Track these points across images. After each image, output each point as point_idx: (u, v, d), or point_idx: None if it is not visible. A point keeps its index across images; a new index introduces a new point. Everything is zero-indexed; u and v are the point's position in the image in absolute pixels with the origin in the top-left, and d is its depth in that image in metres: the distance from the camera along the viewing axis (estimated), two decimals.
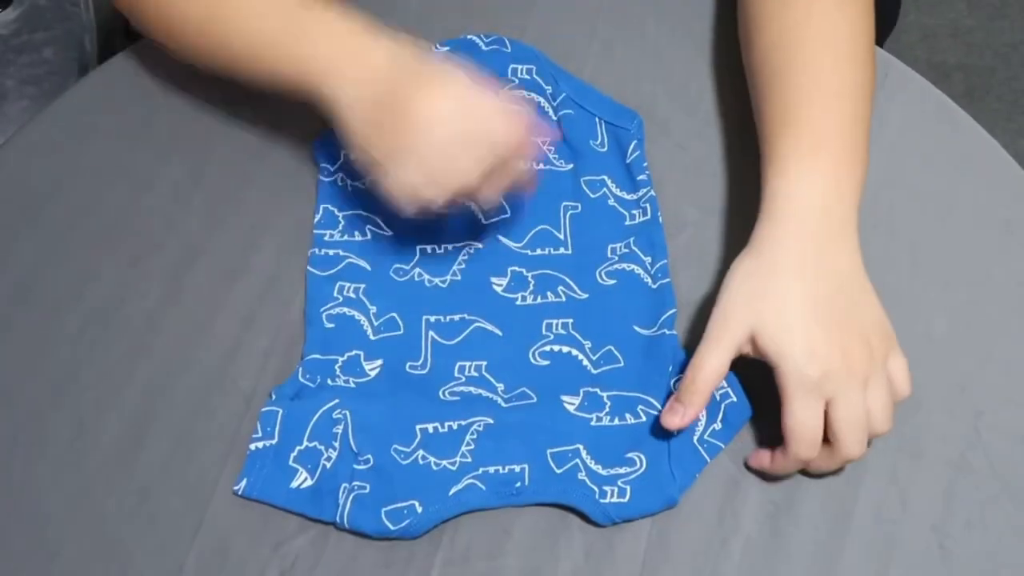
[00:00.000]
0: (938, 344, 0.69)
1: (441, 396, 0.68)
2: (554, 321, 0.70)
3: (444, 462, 0.65)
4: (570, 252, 0.73)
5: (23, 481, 0.67)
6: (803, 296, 0.60)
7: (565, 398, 0.67)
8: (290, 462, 0.65)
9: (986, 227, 0.73)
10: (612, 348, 0.69)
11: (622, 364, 0.69)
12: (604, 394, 0.67)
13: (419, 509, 0.63)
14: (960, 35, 1.74)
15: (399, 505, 0.63)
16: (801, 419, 0.60)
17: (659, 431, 0.64)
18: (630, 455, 0.65)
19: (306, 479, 0.65)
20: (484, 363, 0.68)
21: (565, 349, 0.69)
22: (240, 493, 0.65)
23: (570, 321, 0.70)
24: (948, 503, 0.64)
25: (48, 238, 0.76)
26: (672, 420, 0.62)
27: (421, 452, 0.65)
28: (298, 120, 0.79)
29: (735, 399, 0.66)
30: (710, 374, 0.61)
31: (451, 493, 0.64)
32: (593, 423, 0.66)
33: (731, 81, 0.79)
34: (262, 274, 0.74)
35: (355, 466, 0.65)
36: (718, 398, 0.65)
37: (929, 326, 0.69)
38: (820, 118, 0.65)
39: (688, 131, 0.78)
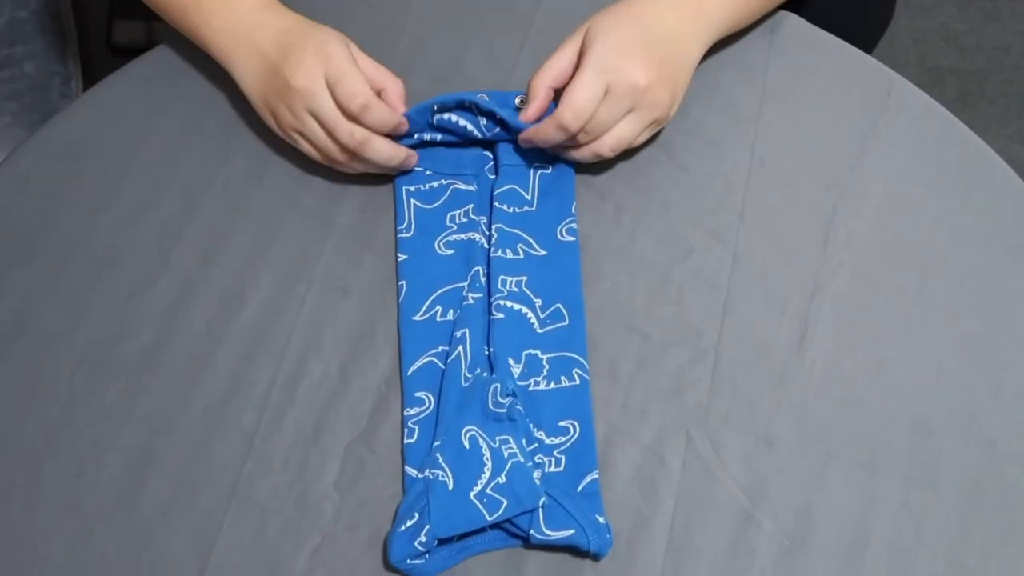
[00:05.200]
0: (948, 373, 0.68)
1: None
2: (509, 278, 0.71)
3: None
4: (534, 209, 0.74)
5: (21, 526, 0.66)
6: (637, 22, 0.70)
7: (511, 361, 0.68)
8: None
9: (994, 252, 0.72)
10: (560, 306, 0.70)
11: (566, 323, 0.70)
12: (544, 357, 0.68)
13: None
14: (952, 39, 1.73)
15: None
16: (586, 89, 0.67)
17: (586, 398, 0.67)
18: (563, 423, 0.66)
19: None
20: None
21: (516, 306, 0.70)
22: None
23: (524, 279, 0.71)
24: (963, 533, 0.64)
25: (40, 274, 0.74)
26: (524, 114, 0.72)
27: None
28: (293, 148, 0.78)
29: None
30: (553, 70, 0.71)
31: (456, 539, 0.63)
32: (531, 388, 0.67)
33: (733, 101, 0.78)
34: (260, 307, 0.72)
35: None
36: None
37: (939, 354, 0.69)
38: None
39: (690, 152, 0.76)
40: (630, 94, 0.68)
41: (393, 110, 0.72)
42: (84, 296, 0.73)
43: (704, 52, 0.74)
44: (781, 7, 0.81)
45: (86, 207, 0.77)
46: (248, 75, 0.74)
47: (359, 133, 0.70)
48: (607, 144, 0.70)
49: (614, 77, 0.67)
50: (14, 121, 1.14)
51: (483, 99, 0.72)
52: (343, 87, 0.69)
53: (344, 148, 0.71)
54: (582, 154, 0.72)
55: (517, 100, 0.75)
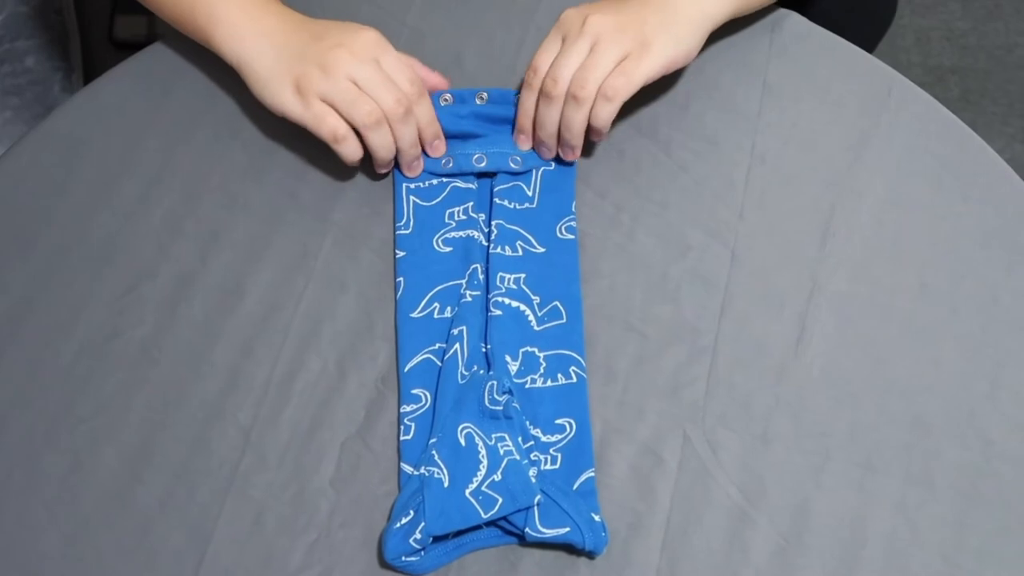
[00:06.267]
0: (946, 372, 0.68)
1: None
2: (508, 275, 0.71)
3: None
4: (535, 206, 0.74)
5: (18, 519, 0.66)
6: None
7: (508, 358, 0.67)
8: None
9: (994, 250, 0.72)
10: (558, 304, 0.70)
11: (564, 320, 0.70)
12: (541, 354, 0.68)
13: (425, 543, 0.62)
14: (954, 37, 1.72)
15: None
16: (543, 48, 0.70)
17: (583, 396, 0.67)
18: (560, 421, 0.66)
19: None
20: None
21: (514, 304, 0.70)
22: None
23: (522, 276, 0.71)
24: (959, 532, 0.64)
25: (38, 267, 0.74)
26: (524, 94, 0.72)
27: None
28: (293, 143, 0.78)
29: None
30: (546, 55, 0.71)
31: (451, 536, 0.63)
32: (527, 386, 0.67)
33: (733, 99, 0.78)
34: (259, 301, 0.72)
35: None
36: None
37: (937, 353, 0.69)
38: None
39: (689, 151, 0.76)
40: (581, 30, 0.69)
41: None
42: (83, 290, 0.73)
43: (713, 21, 0.73)
44: (784, 5, 0.81)
45: (85, 201, 0.77)
46: (261, 53, 0.72)
47: (404, 101, 0.71)
48: (585, 89, 0.68)
49: (566, 27, 0.70)
50: (15, 116, 1.14)
51: (484, 104, 0.74)
52: (404, 75, 0.71)
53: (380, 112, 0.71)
54: (576, 116, 0.70)
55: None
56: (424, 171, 0.75)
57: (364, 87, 0.69)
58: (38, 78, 1.16)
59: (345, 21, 0.74)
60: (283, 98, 0.71)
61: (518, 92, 0.74)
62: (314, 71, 0.69)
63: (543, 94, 0.70)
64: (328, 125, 0.70)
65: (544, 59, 0.70)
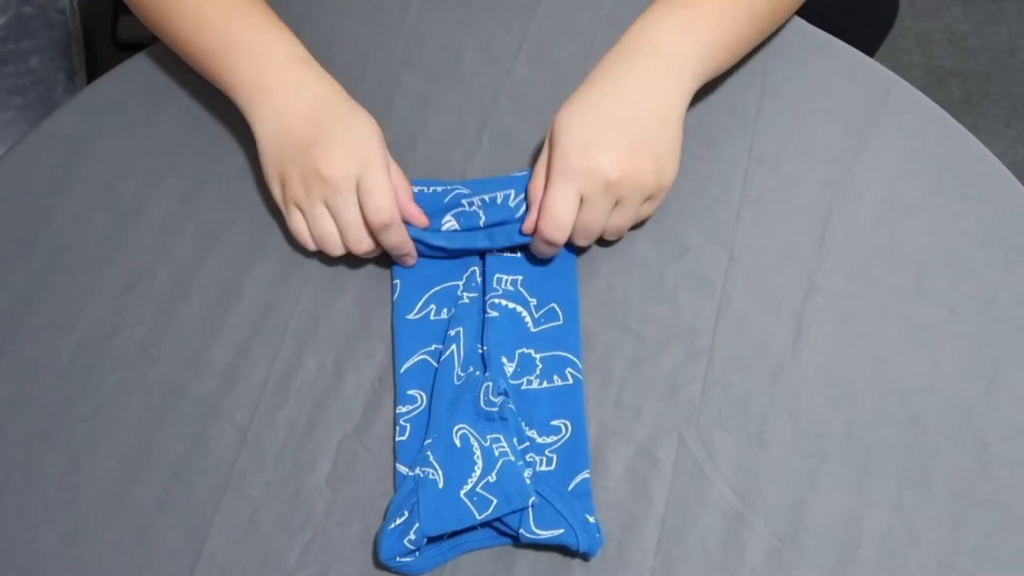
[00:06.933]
0: (943, 373, 0.68)
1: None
2: (505, 277, 0.71)
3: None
4: None
5: (16, 518, 0.66)
6: (598, 107, 0.67)
7: (504, 359, 0.68)
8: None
9: (992, 251, 0.72)
10: (555, 305, 0.70)
11: (561, 322, 0.70)
12: (537, 356, 0.68)
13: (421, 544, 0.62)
14: (956, 40, 1.72)
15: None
16: (558, 202, 0.66)
17: (579, 398, 0.68)
18: (555, 423, 0.66)
19: None
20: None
21: (511, 305, 0.70)
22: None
23: (520, 278, 0.71)
24: (954, 534, 0.64)
25: (37, 266, 0.74)
26: (525, 224, 0.69)
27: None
28: None
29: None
30: (536, 179, 0.68)
31: (446, 537, 0.63)
32: (523, 387, 0.67)
33: (731, 100, 0.78)
34: (256, 301, 0.73)
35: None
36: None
37: (935, 352, 0.69)
38: None
39: (687, 152, 0.76)
40: (607, 192, 0.66)
41: (406, 237, 0.69)
42: (82, 289, 0.73)
43: (690, 98, 0.70)
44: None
45: (85, 200, 0.77)
46: (267, 131, 0.70)
47: (365, 245, 0.69)
48: (608, 236, 0.71)
49: (584, 182, 0.65)
50: (18, 116, 1.14)
51: (479, 202, 0.72)
52: (373, 200, 0.66)
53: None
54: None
55: (512, 200, 0.71)
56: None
57: (335, 218, 0.69)
58: (42, 78, 1.17)
59: (345, 107, 0.70)
60: (271, 184, 0.71)
61: (511, 190, 0.72)
62: (297, 184, 0.69)
63: (555, 245, 0.68)
64: (300, 236, 0.71)
65: (565, 218, 0.66)
